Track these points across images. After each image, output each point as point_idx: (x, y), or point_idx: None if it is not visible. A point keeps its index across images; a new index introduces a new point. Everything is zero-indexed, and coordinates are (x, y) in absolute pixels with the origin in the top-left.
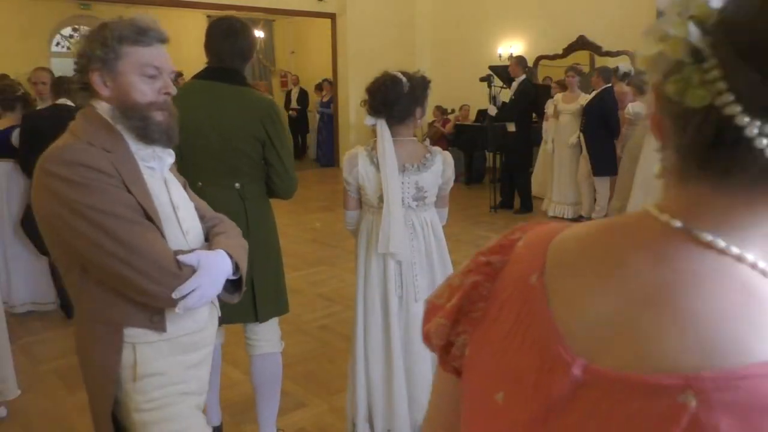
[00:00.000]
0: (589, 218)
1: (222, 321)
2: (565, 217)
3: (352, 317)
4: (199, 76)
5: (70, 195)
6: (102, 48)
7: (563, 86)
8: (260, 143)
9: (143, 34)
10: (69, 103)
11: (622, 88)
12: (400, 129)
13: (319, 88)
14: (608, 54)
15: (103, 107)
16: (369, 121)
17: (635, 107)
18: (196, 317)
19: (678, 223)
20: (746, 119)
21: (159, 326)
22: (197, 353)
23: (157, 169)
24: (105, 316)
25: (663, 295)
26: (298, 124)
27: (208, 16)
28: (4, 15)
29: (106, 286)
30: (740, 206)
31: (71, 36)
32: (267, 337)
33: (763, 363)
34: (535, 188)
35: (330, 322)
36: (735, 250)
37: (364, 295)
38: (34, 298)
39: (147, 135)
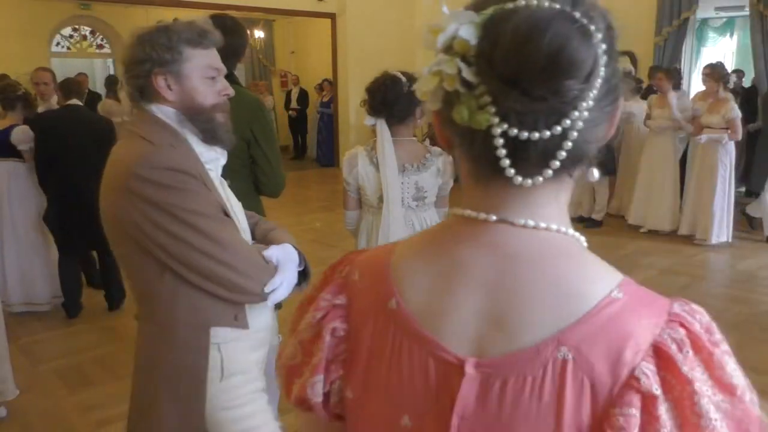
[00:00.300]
0: (589, 218)
1: None
2: None
3: None
4: None
5: (165, 199)
6: (167, 51)
7: None
8: (245, 142)
9: (204, 37)
10: (79, 103)
11: None
12: (400, 129)
13: (319, 88)
14: None
15: (164, 111)
16: (369, 121)
17: (628, 107)
18: (265, 314)
19: (494, 217)
20: (513, 132)
21: (242, 323)
22: (263, 350)
23: (214, 170)
24: (193, 319)
25: (510, 277)
26: (298, 124)
27: (209, 17)
28: (4, 15)
29: (196, 288)
30: (531, 195)
31: (71, 36)
32: None
33: (603, 299)
34: None
35: None
36: (543, 224)
37: None
38: (28, 299)
39: (214, 136)
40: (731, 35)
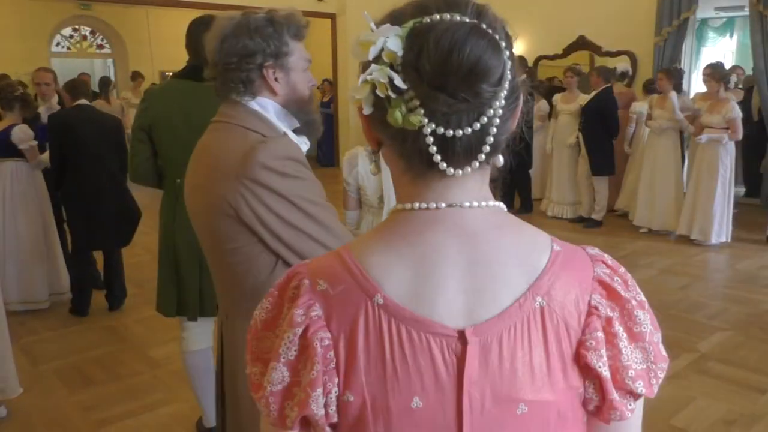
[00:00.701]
0: (590, 218)
1: (204, 313)
2: (565, 217)
3: None
4: (176, 75)
5: (286, 187)
6: (279, 43)
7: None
8: None
9: (305, 29)
10: (88, 103)
11: (620, 88)
12: None
13: (320, 88)
14: (608, 54)
15: (263, 103)
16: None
17: (638, 106)
18: None
19: (443, 204)
20: (440, 131)
21: None
22: None
23: None
24: None
25: (478, 252)
26: None
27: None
28: (4, 15)
29: None
30: (465, 182)
31: (71, 36)
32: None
33: (551, 253)
34: (534, 189)
35: None
36: (483, 203)
37: None
38: (28, 297)
39: (312, 128)
40: (731, 35)
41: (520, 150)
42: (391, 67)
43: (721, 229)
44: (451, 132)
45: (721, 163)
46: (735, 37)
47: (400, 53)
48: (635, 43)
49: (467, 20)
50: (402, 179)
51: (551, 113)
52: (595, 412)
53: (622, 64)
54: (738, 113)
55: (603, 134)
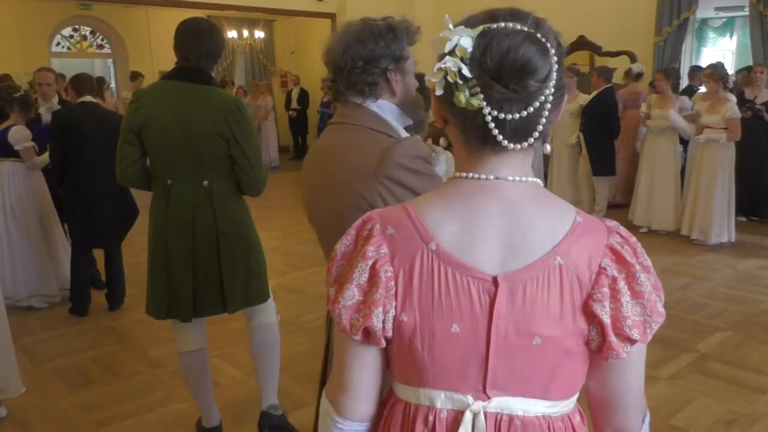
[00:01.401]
0: None
1: (198, 314)
2: None
3: None
4: (166, 76)
5: (419, 185)
6: (399, 48)
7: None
8: (225, 141)
9: (417, 34)
10: (93, 100)
11: (636, 88)
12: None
13: (322, 88)
14: (608, 54)
15: (382, 105)
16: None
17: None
18: None
19: (492, 176)
20: (494, 113)
21: None
22: None
23: None
24: None
25: (515, 217)
26: (299, 124)
27: (208, 16)
28: (4, 15)
29: None
30: (510, 159)
31: (71, 36)
32: (264, 311)
33: (573, 222)
34: None
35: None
36: (523, 178)
37: None
38: (39, 291)
39: (421, 126)
40: (731, 35)
41: None
42: (462, 59)
43: (721, 229)
44: (503, 115)
45: (721, 163)
46: (735, 37)
47: (469, 49)
48: (635, 43)
49: (525, 29)
50: (461, 153)
51: None
52: (597, 351)
53: (636, 65)
54: (737, 113)
55: (604, 135)
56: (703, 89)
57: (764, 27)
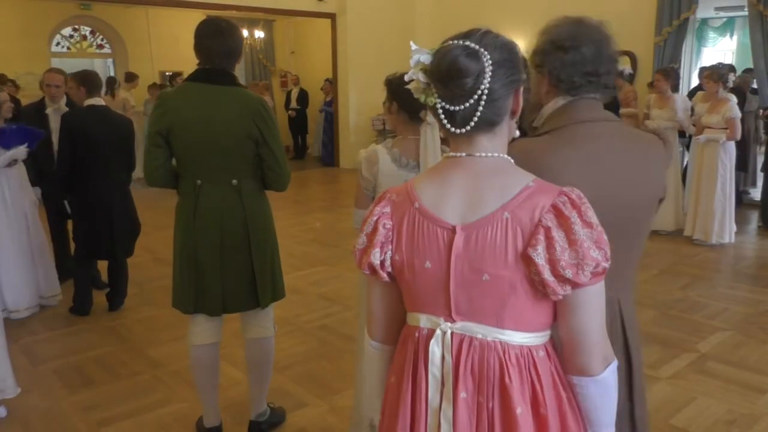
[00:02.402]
0: None
1: (227, 310)
2: None
3: (352, 317)
4: (191, 78)
5: None
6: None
7: None
8: (253, 141)
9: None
10: (102, 103)
11: (626, 87)
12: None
13: (323, 88)
14: None
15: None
16: (432, 118)
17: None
18: None
19: (463, 154)
20: (445, 106)
21: None
22: None
23: None
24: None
25: (476, 183)
26: (298, 124)
27: (208, 16)
28: (4, 15)
29: None
30: (476, 140)
31: (71, 36)
32: (263, 323)
33: (524, 187)
34: None
35: (330, 322)
36: (488, 154)
37: None
38: (40, 293)
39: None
40: (731, 35)
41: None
42: (422, 71)
43: (722, 229)
44: (452, 107)
45: (721, 162)
46: (735, 37)
47: (428, 62)
48: (635, 43)
49: (462, 43)
50: (445, 138)
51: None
52: (541, 289)
53: (624, 66)
54: (737, 113)
55: None
56: None
57: (764, 27)
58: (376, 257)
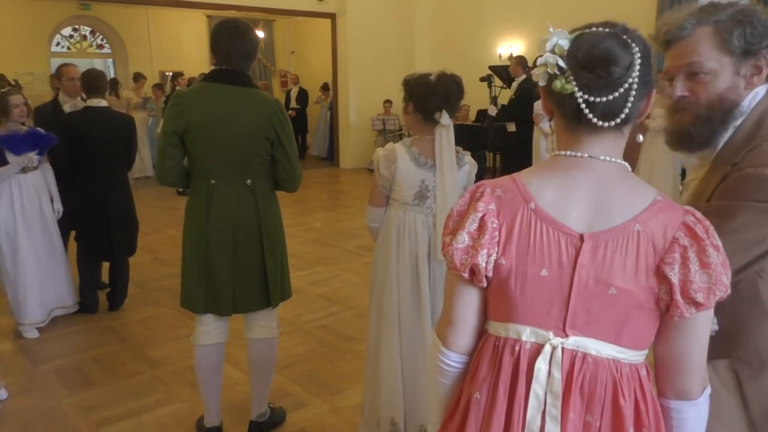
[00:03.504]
0: None
1: (238, 310)
2: None
3: (352, 317)
4: (207, 79)
5: None
6: None
7: None
8: (269, 142)
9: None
10: (103, 103)
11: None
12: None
13: (325, 88)
14: None
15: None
16: (447, 120)
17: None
18: None
19: (585, 155)
20: (585, 96)
21: None
22: None
23: None
24: None
25: (603, 190)
26: (298, 123)
27: (208, 16)
28: (4, 15)
29: None
30: (603, 140)
31: (71, 36)
32: (267, 323)
33: (654, 199)
34: None
35: (330, 322)
36: (612, 159)
37: (398, 295)
38: (59, 303)
39: None
40: None
41: (521, 149)
42: (559, 55)
43: None
44: (593, 98)
45: None
46: None
47: (566, 47)
48: None
49: (610, 30)
50: (562, 135)
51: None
52: (665, 310)
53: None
54: None
55: None
56: None
57: None
58: (482, 259)
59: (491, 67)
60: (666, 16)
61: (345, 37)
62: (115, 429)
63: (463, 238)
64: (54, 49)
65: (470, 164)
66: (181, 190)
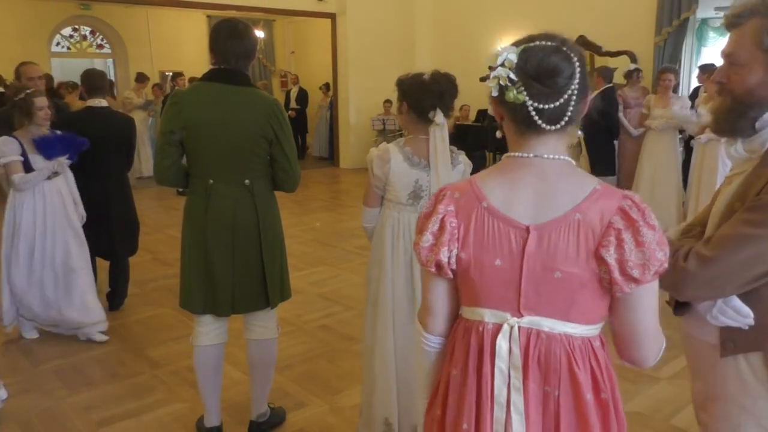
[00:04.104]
0: None
1: (237, 311)
2: None
3: (352, 317)
4: (205, 78)
5: None
6: None
7: None
8: (268, 142)
9: None
10: (103, 103)
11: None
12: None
13: (327, 88)
14: (608, 54)
15: None
16: (442, 119)
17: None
18: None
19: (532, 155)
20: (535, 104)
21: None
22: None
23: None
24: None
25: (546, 184)
26: (298, 124)
27: (208, 16)
28: (3, 15)
29: None
30: (548, 141)
31: (71, 36)
32: (267, 324)
33: (593, 189)
34: None
35: (330, 322)
36: (556, 156)
37: (393, 295)
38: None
39: None
40: None
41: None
42: (510, 68)
43: None
44: (541, 105)
45: (721, 162)
46: None
47: (515, 61)
48: (635, 43)
49: (553, 44)
50: (512, 139)
51: None
52: (608, 287)
53: (632, 65)
54: None
55: (604, 135)
56: None
57: None
58: (444, 255)
59: (491, 67)
60: (738, 0)
61: (345, 37)
62: (115, 429)
63: (428, 238)
64: (54, 49)
65: (465, 163)
66: (180, 190)
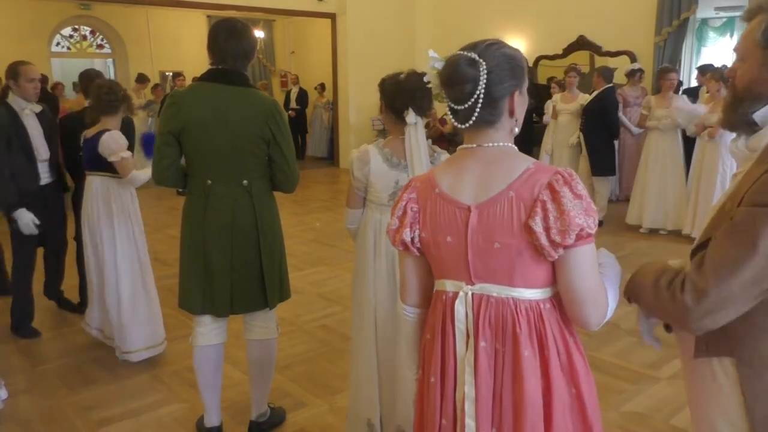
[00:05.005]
0: None
1: (236, 311)
2: None
3: (352, 317)
4: (203, 78)
5: None
6: None
7: (563, 86)
8: (265, 142)
9: None
10: None
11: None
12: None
13: (322, 88)
14: (608, 54)
15: None
16: (413, 119)
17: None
18: None
19: (474, 145)
20: (452, 106)
21: None
22: None
23: None
24: None
25: (486, 169)
26: (298, 124)
27: (208, 16)
28: (4, 15)
29: None
30: (484, 133)
31: (71, 36)
32: (267, 324)
33: (525, 169)
34: None
35: (330, 322)
36: (494, 144)
37: (375, 295)
38: (148, 342)
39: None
40: (731, 35)
41: (520, 149)
42: (436, 76)
43: None
44: (456, 107)
45: (722, 161)
46: (735, 37)
47: (440, 68)
48: (635, 43)
49: (465, 54)
50: (462, 132)
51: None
52: (541, 252)
53: (635, 65)
54: None
55: (604, 135)
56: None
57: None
58: (407, 235)
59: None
60: None
61: (345, 37)
62: (115, 429)
63: (394, 222)
64: (54, 49)
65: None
66: (180, 190)
